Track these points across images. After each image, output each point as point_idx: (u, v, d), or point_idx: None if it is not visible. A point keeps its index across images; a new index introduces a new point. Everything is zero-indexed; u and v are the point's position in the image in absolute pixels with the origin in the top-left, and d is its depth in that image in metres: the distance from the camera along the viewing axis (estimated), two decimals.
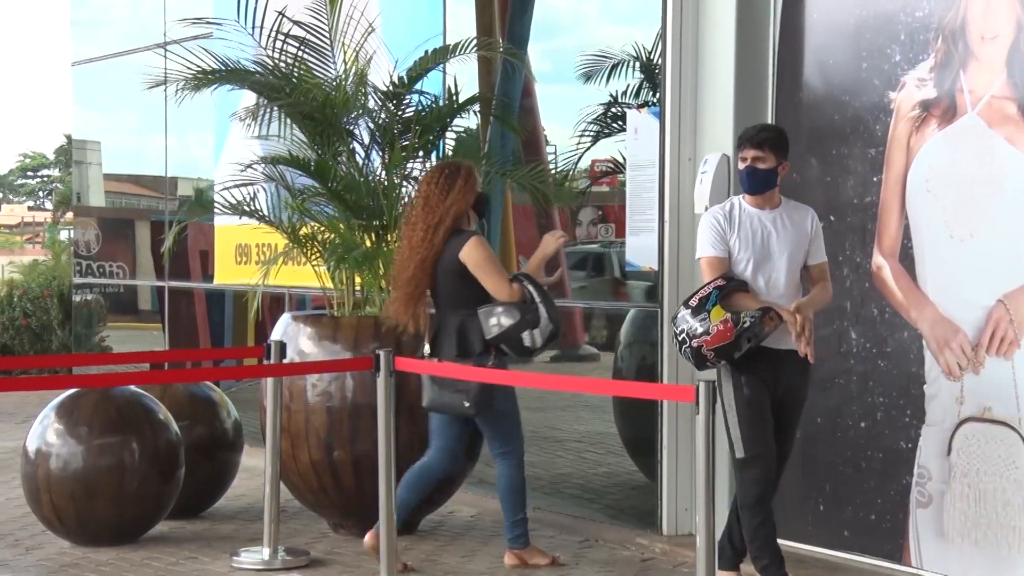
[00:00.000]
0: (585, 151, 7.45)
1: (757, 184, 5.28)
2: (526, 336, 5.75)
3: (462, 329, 5.83)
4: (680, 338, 5.09)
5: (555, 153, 7.77)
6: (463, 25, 7.89)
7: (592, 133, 7.47)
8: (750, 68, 6.30)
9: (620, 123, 7.07)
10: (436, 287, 5.93)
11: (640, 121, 6.75)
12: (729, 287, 5.13)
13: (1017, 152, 5.32)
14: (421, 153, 6.98)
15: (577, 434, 7.56)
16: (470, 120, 7.47)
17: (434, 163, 6.85)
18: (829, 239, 6.08)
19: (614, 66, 7.49)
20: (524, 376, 6.06)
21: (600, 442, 7.28)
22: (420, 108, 7.03)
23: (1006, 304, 5.35)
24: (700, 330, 5.04)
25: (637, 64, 7.05)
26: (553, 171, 7.52)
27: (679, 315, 5.12)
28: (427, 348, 6.04)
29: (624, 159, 6.89)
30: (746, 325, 5.03)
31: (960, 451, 5.53)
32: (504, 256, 7.84)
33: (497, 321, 5.76)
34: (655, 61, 6.75)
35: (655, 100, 6.74)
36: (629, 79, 7.08)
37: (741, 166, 5.28)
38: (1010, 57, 5.34)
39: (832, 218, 6.07)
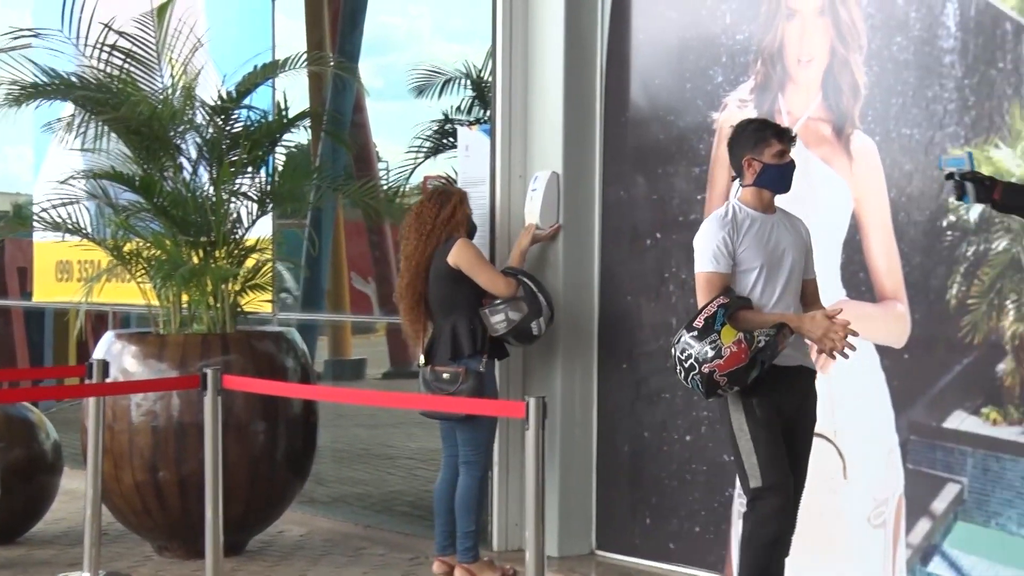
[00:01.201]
0: (416, 167, 7.53)
1: (791, 182, 4.79)
2: (534, 326, 6.03)
3: (455, 332, 5.99)
4: (687, 365, 4.55)
5: (387, 169, 7.84)
6: (293, 40, 7.90)
7: (424, 149, 7.56)
8: (579, 88, 6.45)
9: (451, 140, 7.16)
10: (429, 294, 6.09)
11: (471, 138, 6.84)
12: (733, 304, 4.61)
13: (832, 171, 5.56)
14: (250, 168, 6.96)
15: (409, 451, 7.62)
16: (301, 135, 7.48)
17: (263, 178, 6.88)
18: (656, 256, 6.27)
19: (446, 83, 7.59)
20: (356, 393, 6.10)
21: (432, 459, 7.34)
22: (249, 123, 7.02)
23: None
24: (711, 354, 4.51)
25: (468, 82, 7.16)
26: (385, 187, 7.57)
27: (681, 339, 4.58)
28: (421, 358, 6.10)
29: (456, 175, 6.98)
30: (761, 345, 4.52)
31: None
32: (335, 272, 7.87)
33: (505, 317, 5.99)
34: (486, 79, 6.86)
35: (486, 118, 6.84)
36: (461, 96, 7.18)
37: (774, 161, 4.68)
38: (825, 80, 5.58)
39: (658, 235, 6.25)
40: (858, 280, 5.47)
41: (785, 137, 4.70)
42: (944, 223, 5.17)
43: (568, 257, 6.43)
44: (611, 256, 6.45)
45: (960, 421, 5.13)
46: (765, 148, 4.68)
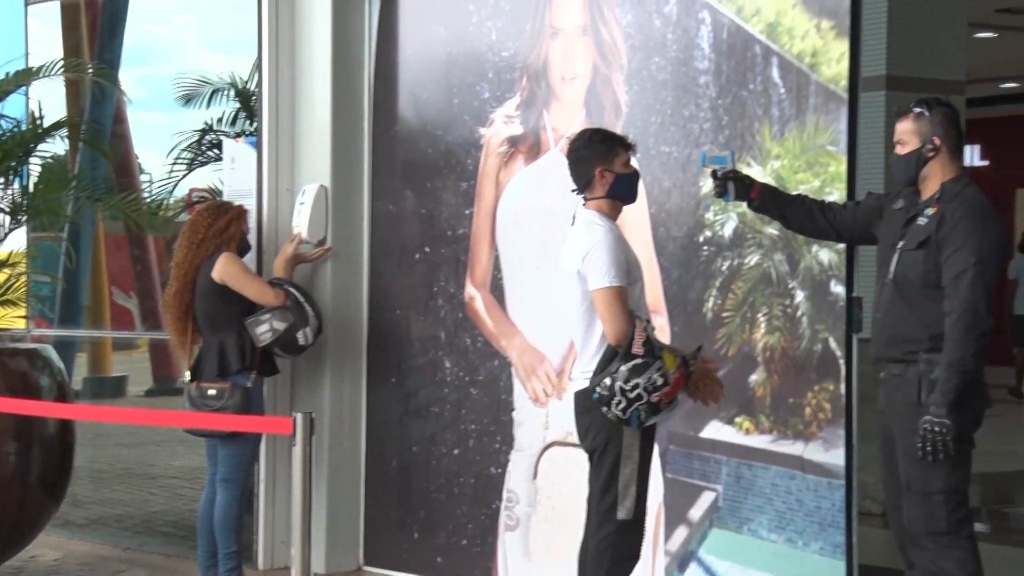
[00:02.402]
0: (181, 179, 7.45)
1: (638, 191, 4.80)
2: (300, 336, 6.00)
3: (222, 349, 5.93)
4: (633, 395, 4.40)
5: (150, 181, 7.73)
6: (49, 48, 7.72)
7: (188, 161, 7.48)
8: (347, 101, 6.50)
9: (217, 152, 7.12)
10: (196, 309, 6.01)
11: (237, 150, 6.82)
12: (650, 327, 4.53)
13: None
14: (2, 180, 6.79)
15: (172, 470, 7.51)
16: (58, 146, 7.33)
17: (16, 189, 6.72)
18: (425, 270, 6.37)
19: (212, 94, 7.53)
20: (116, 411, 6.01)
21: (197, 477, 7.26)
22: (1, 133, 6.84)
23: None
24: (660, 381, 4.40)
25: (234, 93, 7.13)
26: (147, 199, 7.47)
27: (618, 370, 4.41)
28: (186, 374, 5.97)
29: (222, 188, 6.94)
30: (691, 369, 4.53)
31: (545, 474, 5.90)
32: (95, 286, 7.72)
33: (270, 327, 5.94)
34: (253, 90, 6.86)
35: (253, 130, 6.83)
36: (226, 107, 7.15)
37: (624, 171, 4.67)
38: (588, 97, 5.78)
39: (427, 249, 6.35)
40: None
41: (630, 147, 4.72)
42: (701, 238, 5.41)
43: (337, 271, 6.47)
44: (380, 270, 6.52)
45: (716, 431, 5.37)
46: (615, 158, 4.66)
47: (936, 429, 4.35)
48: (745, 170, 4.99)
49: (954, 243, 4.42)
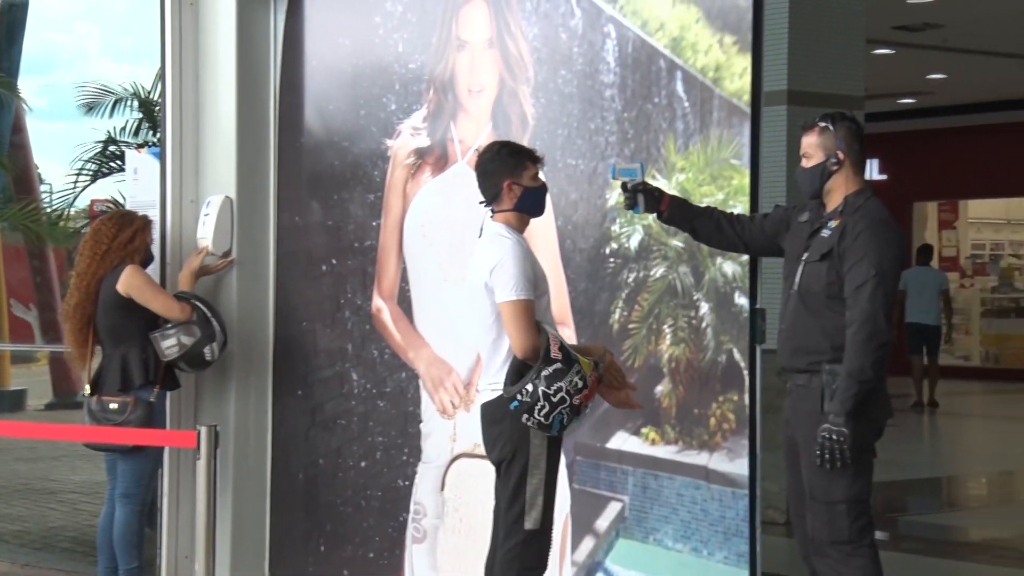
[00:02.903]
0: (83, 190, 7.37)
1: (545, 205, 4.82)
2: (207, 351, 5.97)
3: (124, 363, 5.86)
4: (556, 399, 4.43)
5: (50, 191, 7.64)
6: None
7: (90, 172, 7.40)
8: (252, 112, 6.46)
9: (119, 162, 7.05)
10: (97, 322, 5.93)
11: (140, 161, 6.75)
12: (558, 335, 4.58)
13: None
14: None
15: (72, 484, 7.42)
16: None
17: None
18: (331, 283, 6.35)
19: (114, 104, 7.46)
20: (14, 425, 5.91)
21: (97, 492, 7.19)
22: None
23: None
24: (581, 384, 4.46)
25: (137, 102, 7.07)
26: (48, 210, 7.38)
27: (540, 375, 4.43)
28: (86, 388, 5.86)
29: (124, 199, 6.87)
30: (601, 373, 4.62)
31: (453, 486, 5.90)
32: None
33: (176, 341, 5.90)
34: (156, 100, 6.80)
35: (156, 140, 6.77)
36: (129, 117, 7.09)
37: (533, 184, 4.70)
38: (495, 110, 5.81)
39: (334, 261, 6.33)
40: None
41: (538, 160, 4.74)
42: (607, 250, 5.46)
43: (242, 283, 6.43)
44: (286, 282, 6.49)
45: (622, 441, 5.41)
46: (523, 171, 4.68)
47: (834, 437, 4.43)
48: (651, 183, 5.05)
49: (855, 255, 4.52)
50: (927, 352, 14.60)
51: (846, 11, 8.09)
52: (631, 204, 4.87)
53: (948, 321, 14.96)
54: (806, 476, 4.62)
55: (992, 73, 15.73)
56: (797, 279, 4.67)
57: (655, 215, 4.95)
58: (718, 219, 4.88)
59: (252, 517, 6.46)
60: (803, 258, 4.67)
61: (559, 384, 4.45)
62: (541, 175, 4.79)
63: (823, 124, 4.68)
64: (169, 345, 5.92)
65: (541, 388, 4.44)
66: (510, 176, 4.69)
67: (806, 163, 4.72)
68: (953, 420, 14.71)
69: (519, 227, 4.72)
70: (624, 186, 4.87)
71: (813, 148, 4.70)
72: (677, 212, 4.90)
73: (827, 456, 4.43)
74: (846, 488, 4.52)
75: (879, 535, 5.04)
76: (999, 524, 8.56)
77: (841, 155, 4.64)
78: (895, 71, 15.42)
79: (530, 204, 4.73)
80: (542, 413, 4.46)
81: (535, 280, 4.62)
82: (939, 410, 14.73)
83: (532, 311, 4.55)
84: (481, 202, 4.78)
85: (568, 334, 5.49)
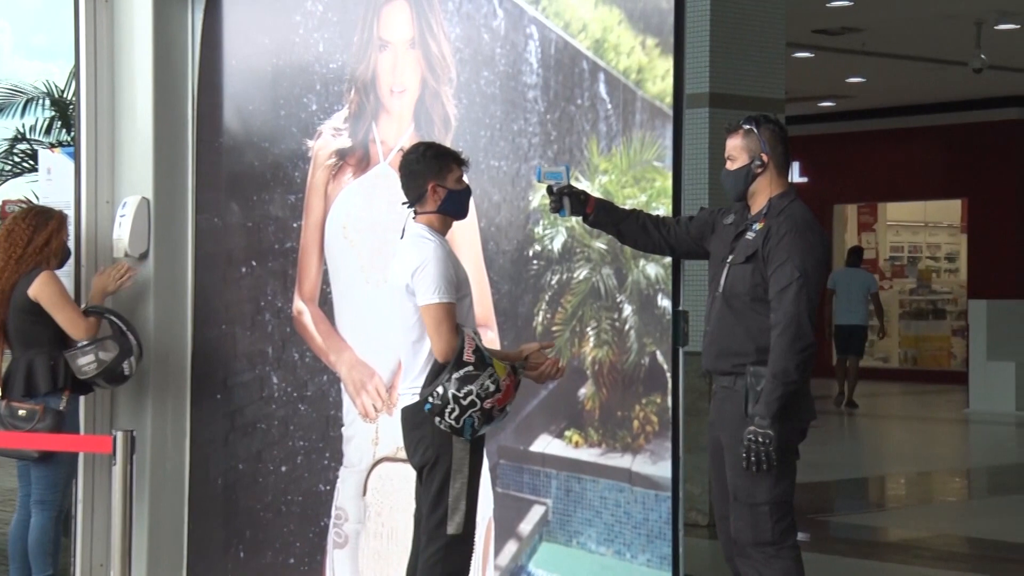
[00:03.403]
0: None
1: (469, 207, 4.81)
2: (126, 365, 5.91)
3: (30, 369, 5.76)
4: (466, 403, 4.44)
5: None
6: None
7: (1, 172, 7.28)
8: (169, 111, 6.38)
9: (32, 162, 6.93)
10: (7, 325, 5.83)
11: (53, 161, 6.65)
12: (478, 337, 4.59)
13: None
14: None
15: None
16: None
17: None
18: (251, 285, 6.29)
19: (27, 102, 7.34)
20: None
21: (8, 499, 7.06)
22: None
23: None
24: (493, 388, 4.46)
25: (49, 101, 6.96)
26: None
27: (451, 378, 4.44)
28: None
29: (37, 199, 6.77)
30: (519, 377, 4.62)
31: (375, 491, 5.86)
32: None
33: (94, 358, 5.82)
34: (70, 99, 6.69)
35: (70, 139, 6.67)
36: (40, 116, 6.97)
37: (457, 187, 4.70)
38: (417, 110, 5.78)
39: (254, 263, 6.27)
40: None
41: (463, 163, 4.73)
42: (530, 252, 5.45)
43: (160, 285, 6.35)
44: (205, 284, 6.42)
45: (546, 444, 5.41)
46: (448, 174, 4.67)
47: (759, 439, 4.45)
48: (576, 185, 5.05)
49: (779, 257, 4.54)
50: (850, 352, 14.85)
51: (767, 14, 8.16)
52: (557, 207, 4.87)
53: (880, 321, 15.29)
54: (730, 478, 4.64)
55: (910, 77, 15.98)
56: (722, 281, 4.69)
57: (581, 218, 4.95)
58: (644, 222, 4.89)
59: (169, 524, 6.38)
60: (728, 260, 4.69)
61: (469, 387, 4.44)
62: (465, 178, 4.77)
63: (747, 127, 4.71)
64: (87, 362, 5.82)
65: (451, 391, 4.44)
66: (434, 178, 4.67)
67: (730, 165, 4.75)
68: (872, 421, 14.91)
69: (442, 229, 4.70)
70: (550, 189, 4.86)
71: (737, 151, 4.72)
72: (603, 215, 4.90)
73: (753, 458, 4.46)
74: (769, 490, 4.55)
75: (801, 536, 5.07)
76: (917, 524, 8.68)
77: (765, 158, 4.67)
78: (815, 75, 15.61)
79: (454, 207, 4.72)
80: (452, 416, 4.46)
81: (457, 283, 4.60)
82: (859, 411, 14.92)
83: (454, 314, 4.54)
84: (404, 203, 4.76)
85: (491, 337, 5.47)
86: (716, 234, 4.81)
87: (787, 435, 4.52)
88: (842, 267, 15.26)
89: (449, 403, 4.45)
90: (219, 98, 6.39)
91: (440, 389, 4.46)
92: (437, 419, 4.49)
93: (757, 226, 4.64)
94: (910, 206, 20.29)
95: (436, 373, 4.54)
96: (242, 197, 6.34)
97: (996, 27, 13.12)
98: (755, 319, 4.58)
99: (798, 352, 4.47)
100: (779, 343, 4.48)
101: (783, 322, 4.49)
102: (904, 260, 20.09)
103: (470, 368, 4.45)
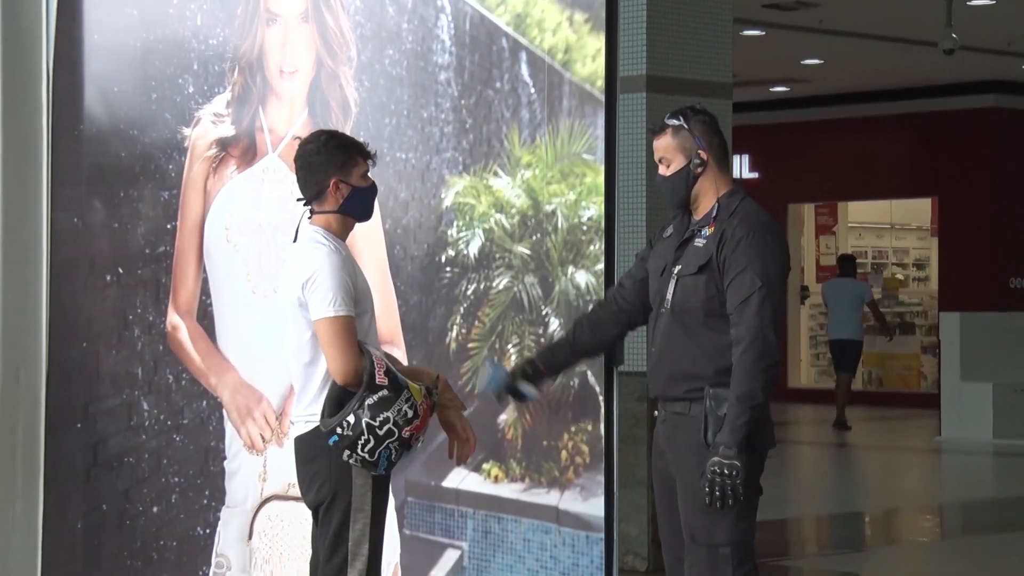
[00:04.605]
0: None
1: (374, 208, 4.82)
2: None
3: None
4: (383, 432, 4.39)
5: None
6: None
7: None
8: (19, 93, 6.36)
9: None
10: None
11: None
12: (386, 356, 4.57)
13: None
14: None
15: None
16: None
17: None
18: (118, 295, 6.25)
19: None
20: None
21: None
22: None
23: None
24: (411, 414, 4.42)
25: None
26: None
27: (364, 405, 4.39)
28: None
29: None
30: (435, 399, 4.59)
31: (262, 534, 5.85)
32: None
33: None
34: None
35: None
36: None
37: (362, 184, 4.66)
38: (311, 94, 5.78)
39: (120, 270, 6.24)
40: None
41: (369, 156, 4.68)
42: (443, 258, 5.47)
43: (9, 295, 6.33)
44: (63, 295, 6.39)
45: (460, 479, 5.43)
46: (353, 168, 4.61)
47: (725, 472, 4.41)
48: (493, 182, 5.07)
49: (737, 265, 4.52)
50: (842, 370, 15.30)
51: None
52: (521, 399, 4.86)
53: (884, 326, 16.16)
54: (685, 516, 4.61)
55: (873, 59, 16.19)
56: (669, 295, 4.62)
57: (549, 380, 4.90)
58: (595, 319, 4.83)
59: (20, 575, 6.32)
60: (674, 272, 4.63)
61: (386, 414, 4.40)
62: (370, 173, 4.76)
63: (676, 123, 4.66)
64: None
65: (365, 419, 4.39)
66: (337, 172, 4.62)
67: (665, 170, 4.67)
68: (834, 451, 15.08)
69: (341, 232, 4.67)
70: (499, 397, 4.84)
71: (670, 152, 4.66)
72: (557, 360, 4.87)
73: (718, 493, 4.42)
74: (730, 529, 4.54)
75: None
76: (884, 568, 8.79)
77: (703, 155, 4.64)
78: (766, 55, 15.78)
79: (357, 206, 4.67)
80: (366, 449, 4.41)
81: (356, 294, 4.58)
82: (822, 440, 15.22)
83: (353, 329, 4.51)
84: (299, 199, 4.71)
85: (398, 355, 5.48)
86: (653, 251, 4.77)
87: (751, 466, 4.52)
88: (834, 278, 15.72)
89: (364, 434, 4.39)
90: (79, 78, 6.36)
91: (351, 418, 4.39)
92: (347, 453, 4.45)
93: (707, 231, 4.60)
94: (874, 206, 20.57)
95: (337, 399, 4.51)
96: (106, 193, 6.31)
97: (969, 2, 13.35)
98: (711, 337, 4.56)
99: (763, 371, 4.47)
100: (743, 361, 4.47)
101: (747, 338, 4.47)
102: (867, 267, 20.36)
103: (385, 392, 4.41)
